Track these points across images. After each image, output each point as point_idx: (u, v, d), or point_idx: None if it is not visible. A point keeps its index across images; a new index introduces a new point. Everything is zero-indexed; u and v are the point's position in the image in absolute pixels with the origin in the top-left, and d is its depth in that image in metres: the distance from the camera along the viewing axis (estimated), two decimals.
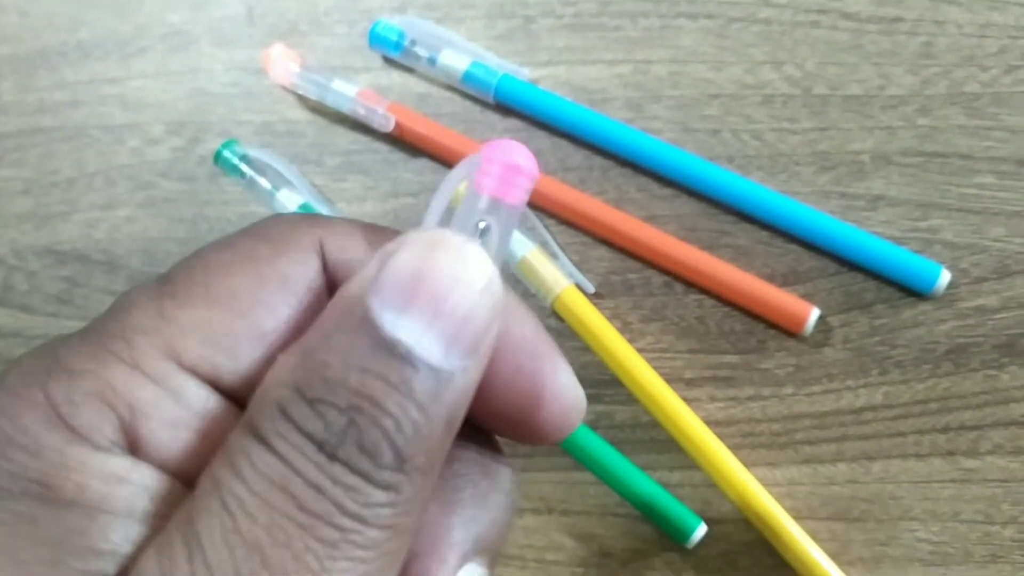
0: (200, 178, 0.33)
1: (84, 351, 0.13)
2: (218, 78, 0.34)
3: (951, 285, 0.29)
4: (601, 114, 0.31)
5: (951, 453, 0.28)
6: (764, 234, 0.30)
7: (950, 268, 0.29)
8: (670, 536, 0.29)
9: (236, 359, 0.14)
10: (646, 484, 0.29)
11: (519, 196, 0.14)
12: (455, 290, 0.13)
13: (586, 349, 0.30)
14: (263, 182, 0.32)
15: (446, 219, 0.15)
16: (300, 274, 0.14)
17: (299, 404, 0.12)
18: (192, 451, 0.14)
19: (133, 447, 0.13)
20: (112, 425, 0.13)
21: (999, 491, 0.28)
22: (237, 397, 0.14)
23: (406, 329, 0.13)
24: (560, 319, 0.30)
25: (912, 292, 0.29)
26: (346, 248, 0.15)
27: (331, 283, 0.15)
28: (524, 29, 0.33)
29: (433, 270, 0.13)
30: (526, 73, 0.32)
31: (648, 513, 0.29)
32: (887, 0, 0.31)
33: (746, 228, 0.30)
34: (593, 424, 0.30)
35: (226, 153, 0.32)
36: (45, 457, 0.13)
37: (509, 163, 0.14)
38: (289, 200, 0.31)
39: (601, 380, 0.30)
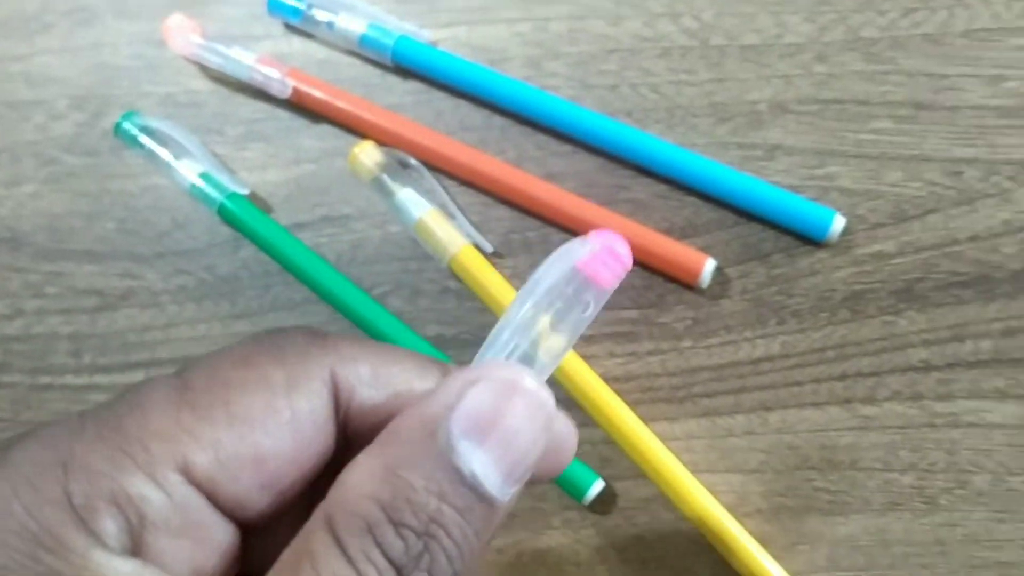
0: (103, 152, 0.33)
1: (101, 451, 0.14)
2: (122, 51, 0.34)
3: (847, 231, 0.28)
4: (499, 73, 0.31)
5: (848, 401, 0.28)
6: (662, 187, 0.30)
7: (847, 215, 0.28)
8: (569, 494, 0.28)
9: (236, 483, 0.15)
10: None
11: (611, 281, 0.16)
12: (523, 434, 0.15)
13: (485, 309, 0.30)
14: (163, 153, 0.32)
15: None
16: (308, 409, 0.16)
17: (385, 527, 0.14)
18: (188, 558, 0.15)
19: (136, 551, 0.14)
20: (124, 530, 0.14)
21: (897, 437, 0.28)
22: (229, 515, 0.15)
23: (480, 462, 0.14)
24: (459, 280, 0.30)
25: (808, 240, 0.29)
26: (362, 381, 0.16)
27: (345, 410, 0.16)
28: None
29: (509, 414, 0.15)
30: (426, 35, 0.32)
31: None
32: None
33: (645, 182, 0.30)
34: None
35: (126, 125, 0.32)
36: (71, 560, 0.13)
37: (610, 248, 0.16)
38: (189, 170, 0.31)
39: None
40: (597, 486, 0.28)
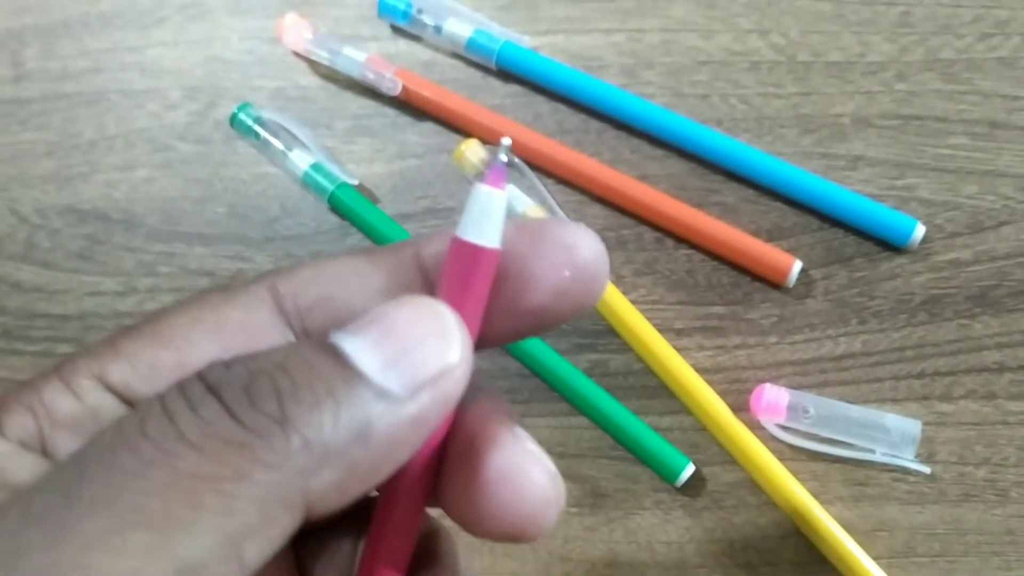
0: (215, 141, 0.35)
1: (46, 371, 0.15)
2: (233, 46, 0.36)
3: (926, 239, 0.30)
4: (597, 79, 0.33)
5: (926, 398, 0.30)
6: (750, 192, 0.32)
7: (925, 224, 0.30)
8: (660, 476, 0.30)
9: (152, 384, 0.15)
10: (638, 427, 0.30)
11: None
12: (409, 327, 0.13)
13: None
14: (276, 143, 0.34)
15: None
16: (239, 318, 0.15)
17: (214, 363, 0.13)
18: None
19: (44, 450, 0.14)
20: (28, 428, 0.14)
21: (972, 433, 0.30)
22: None
23: (350, 342, 0.13)
24: None
25: (889, 246, 0.31)
26: (304, 285, 0.16)
27: (300, 318, 0.16)
28: (526, 0, 0.34)
29: (393, 310, 0.13)
30: (527, 41, 0.34)
31: (640, 455, 0.30)
32: None
33: (733, 187, 0.32)
34: (588, 371, 0.31)
35: (242, 115, 0.34)
36: None
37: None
38: (301, 160, 0.33)
39: (596, 330, 0.31)
40: (688, 470, 0.30)
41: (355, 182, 0.33)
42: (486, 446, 0.15)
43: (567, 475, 0.31)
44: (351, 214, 0.33)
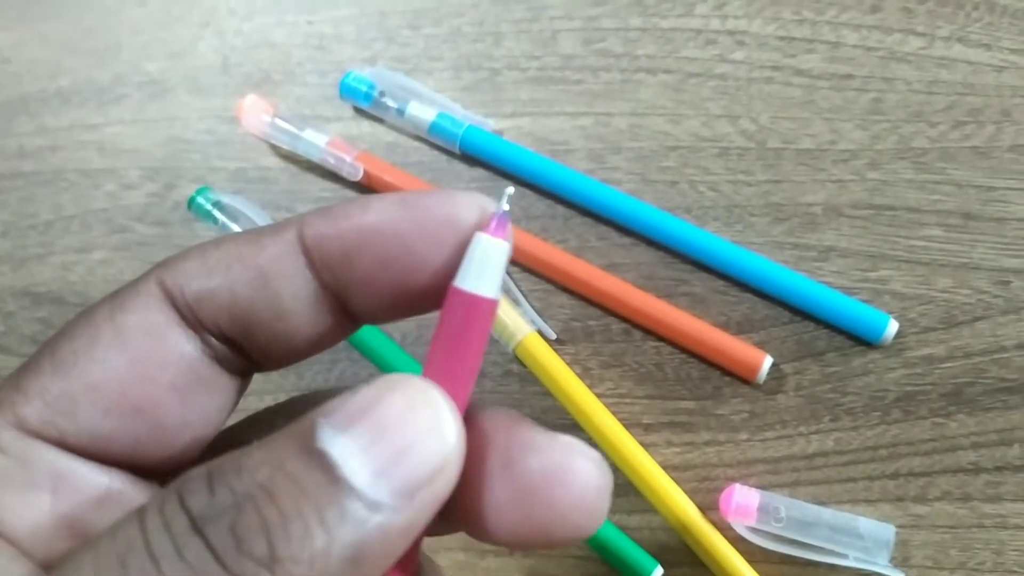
0: (174, 223, 0.34)
1: None
2: (193, 125, 0.35)
3: (899, 334, 0.30)
4: (563, 165, 0.32)
5: (900, 499, 0.29)
6: (720, 283, 0.31)
7: (899, 318, 0.30)
8: None
9: (75, 418, 0.14)
10: (604, 528, 0.29)
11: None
12: (402, 426, 0.12)
13: (547, 394, 0.31)
14: (235, 228, 0.33)
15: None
16: (135, 323, 0.14)
17: (196, 480, 0.12)
18: (46, 511, 0.14)
19: None
20: None
21: (947, 536, 0.29)
22: (88, 454, 0.14)
23: (339, 446, 0.12)
24: (522, 365, 0.31)
25: (862, 341, 0.30)
26: (191, 280, 0.15)
27: (191, 310, 0.15)
28: (490, 81, 0.34)
29: (385, 402, 0.12)
30: (491, 124, 0.33)
31: (605, 556, 0.29)
32: (838, 57, 0.32)
33: (703, 277, 0.31)
34: None
35: (200, 199, 0.33)
36: None
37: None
38: None
39: (561, 425, 0.30)
40: (657, 573, 0.29)
41: None
42: (522, 453, 0.14)
43: (532, 575, 0.30)
44: None
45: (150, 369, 0.14)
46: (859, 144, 0.31)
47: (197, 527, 0.11)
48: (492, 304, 0.14)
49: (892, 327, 0.29)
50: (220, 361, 0.15)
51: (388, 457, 0.12)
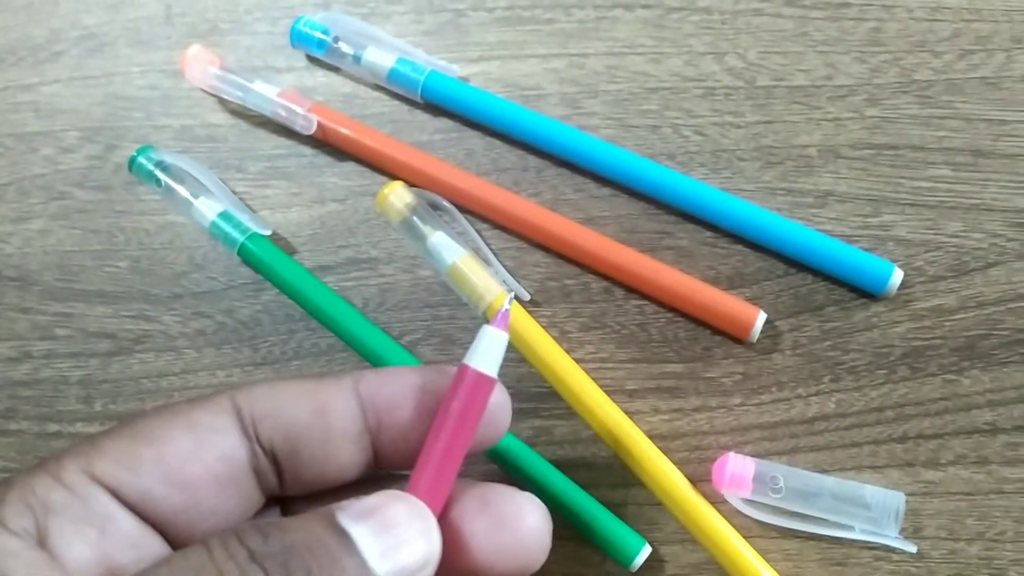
0: (116, 187, 0.31)
1: (30, 469, 0.18)
2: (135, 81, 0.32)
3: (905, 285, 0.27)
4: (535, 111, 0.30)
5: (910, 464, 0.26)
6: (708, 235, 0.28)
7: (904, 267, 0.27)
8: (614, 559, 0.27)
9: (137, 476, 0.18)
10: (587, 504, 0.27)
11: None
12: (404, 526, 0.17)
13: (522, 361, 0.28)
14: (181, 190, 0.30)
15: None
16: (207, 421, 0.19)
17: (250, 530, 0.16)
18: (94, 546, 0.17)
19: (41, 540, 0.17)
20: (28, 518, 0.17)
21: (963, 504, 0.26)
22: (135, 510, 0.18)
23: (357, 529, 0.17)
24: None
25: (864, 293, 0.27)
26: (258, 402, 0.19)
27: (252, 426, 0.19)
28: (454, 24, 0.31)
29: (392, 507, 0.18)
30: (456, 70, 0.30)
31: (589, 535, 0.27)
32: None
33: (689, 229, 0.29)
34: (531, 440, 0.28)
35: (141, 159, 0.30)
36: None
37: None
38: (208, 209, 0.30)
39: (539, 393, 0.28)
40: (644, 552, 0.26)
41: (268, 231, 0.30)
42: (495, 497, 0.20)
43: None
44: (264, 267, 0.29)
45: (207, 458, 0.18)
46: (857, 79, 0.29)
47: (257, 560, 0.16)
48: (494, 381, 0.20)
49: (897, 277, 0.27)
50: (258, 475, 0.19)
51: (391, 543, 0.17)
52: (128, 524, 0.18)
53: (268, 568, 0.15)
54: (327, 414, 0.19)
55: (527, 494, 0.20)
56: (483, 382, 0.19)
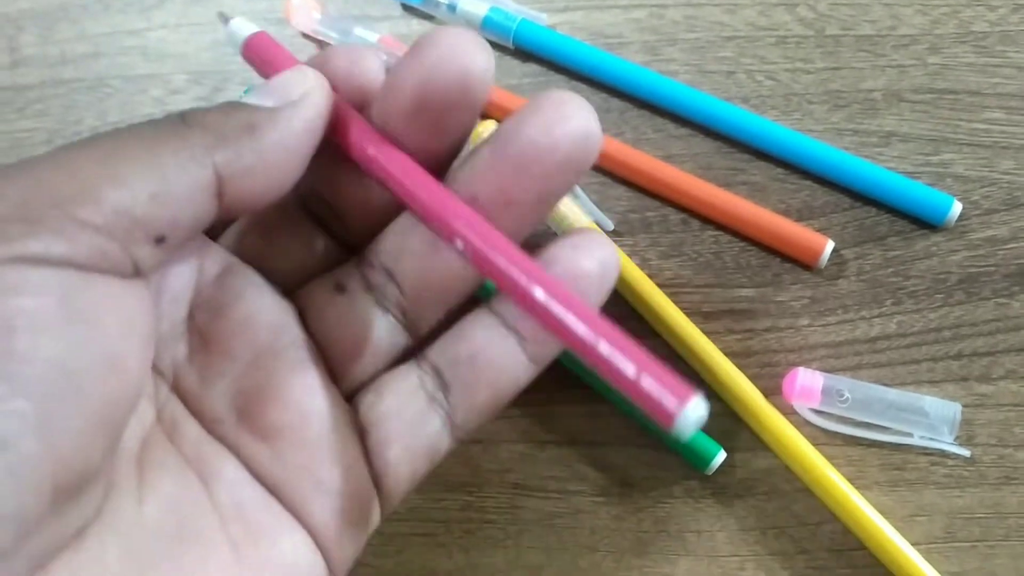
0: None
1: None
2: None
3: (962, 217, 0.29)
4: (618, 57, 0.32)
5: (964, 379, 0.29)
6: (779, 171, 0.31)
7: (962, 200, 0.29)
8: (691, 464, 0.29)
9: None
10: None
11: None
12: (282, 77, 0.19)
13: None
14: None
15: None
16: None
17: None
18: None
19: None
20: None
21: (1012, 415, 0.29)
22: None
23: (247, 97, 0.19)
24: None
25: (924, 224, 0.30)
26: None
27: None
28: None
29: (278, 77, 0.19)
30: (544, 19, 0.33)
31: (669, 442, 0.30)
32: None
33: (761, 166, 0.31)
34: None
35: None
36: None
37: None
38: None
39: (621, 314, 0.30)
40: (720, 457, 0.29)
41: None
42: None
43: (594, 464, 0.30)
44: None
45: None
46: (919, 29, 0.31)
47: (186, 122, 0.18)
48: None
49: (956, 208, 0.29)
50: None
51: (270, 87, 0.19)
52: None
53: (187, 119, 0.18)
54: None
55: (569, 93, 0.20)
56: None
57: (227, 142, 0.17)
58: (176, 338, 0.20)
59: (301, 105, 0.18)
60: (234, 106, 0.18)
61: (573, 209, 0.30)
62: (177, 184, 0.17)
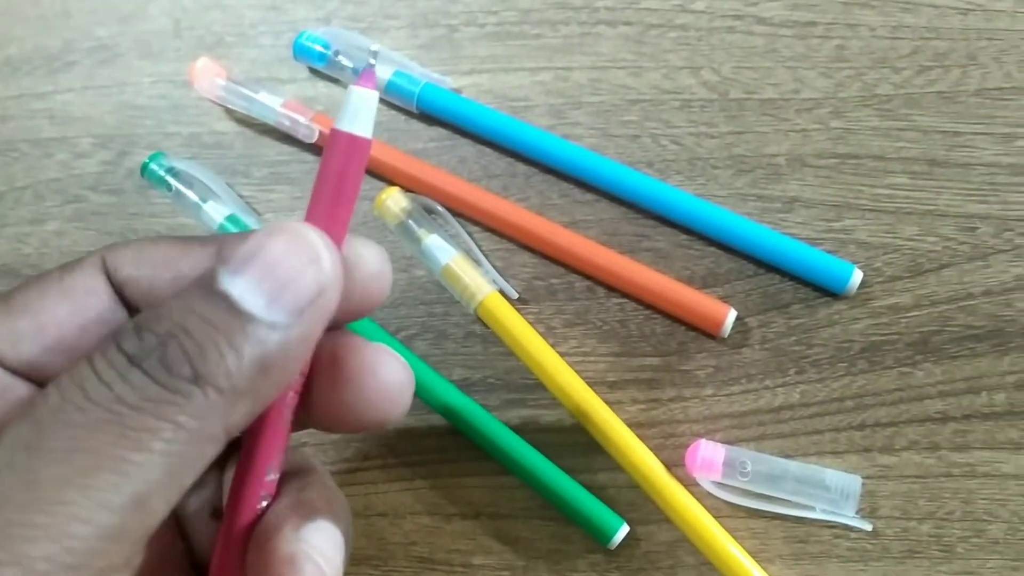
0: (128, 191, 0.33)
1: None
2: (145, 91, 0.34)
3: (865, 284, 0.29)
4: (523, 121, 0.32)
5: (867, 450, 0.29)
6: (683, 237, 0.31)
7: (864, 267, 0.29)
8: (593, 537, 0.29)
9: (18, 349, 0.17)
10: (570, 487, 0.29)
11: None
12: (285, 262, 0.16)
13: (510, 354, 0.30)
14: (190, 194, 0.32)
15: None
16: (80, 284, 0.18)
17: (127, 331, 0.15)
18: None
19: None
20: None
21: (915, 487, 0.28)
22: (25, 378, 0.18)
23: (237, 286, 0.15)
24: (485, 325, 0.30)
25: (827, 292, 0.29)
26: (125, 263, 0.18)
27: (119, 289, 0.18)
28: (447, 38, 0.33)
29: (269, 245, 0.16)
30: (449, 82, 0.32)
31: (572, 515, 0.29)
32: (801, 4, 0.31)
33: (666, 232, 0.31)
34: (518, 428, 0.30)
35: (153, 166, 0.32)
36: None
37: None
38: (216, 212, 0.32)
39: (526, 384, 0.30)
40: (623, 531, 0.28)
41: None
42: (347, 353, 0.18)
43: (498, 537, 0.30)
44: None
45: (86, 321, 0.18)
46: (822, 92, 0.31)
47: (133, 360, 0.15)
48: (368, 142, 0.17)
49: (857, 277, 0.29)
50: None
51: (277, 287, 0.15)
52: (18, 388, 0.17)
53: (145, 366, 0.14)
54: (184, 281, 0.17)
55: (382, 345, 0.19)
56: (357, 144, 0.17)
57: (242, 398, 0.15)
58: None
59: (312, 311, 0.16)
60: (243, 340, 0.15)
61: (476, 277, 0.30)
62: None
